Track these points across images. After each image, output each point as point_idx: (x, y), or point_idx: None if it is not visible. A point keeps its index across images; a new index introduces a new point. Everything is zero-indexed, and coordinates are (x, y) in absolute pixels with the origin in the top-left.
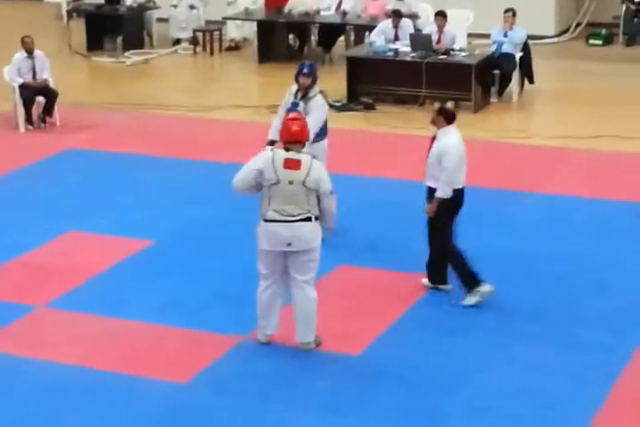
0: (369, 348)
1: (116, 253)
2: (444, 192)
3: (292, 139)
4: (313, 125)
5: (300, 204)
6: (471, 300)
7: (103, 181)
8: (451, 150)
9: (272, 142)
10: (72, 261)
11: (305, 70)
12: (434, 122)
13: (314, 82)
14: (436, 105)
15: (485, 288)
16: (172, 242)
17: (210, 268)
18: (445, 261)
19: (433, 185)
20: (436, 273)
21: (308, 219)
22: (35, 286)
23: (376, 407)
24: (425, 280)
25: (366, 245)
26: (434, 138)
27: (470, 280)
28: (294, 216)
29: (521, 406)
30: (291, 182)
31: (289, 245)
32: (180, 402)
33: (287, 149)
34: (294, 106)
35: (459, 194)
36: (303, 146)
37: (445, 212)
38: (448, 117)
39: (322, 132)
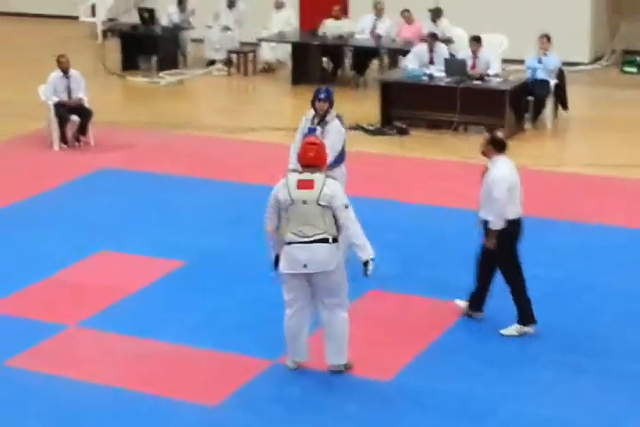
0: (400, 373)
1: (147, 274)
2: (494, 224)
3: (310, 163)
4: (330, 150)
5: (316, 224)
6: (511, 331)
7: (136, 200)
8: (499, 182)
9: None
10: (104, 281)
11: (322, 95)
12: (484, 153)
13: (330, 106)
14: (486, 135)
15: (531, 330)
16: (203, 263)
17: (241, 290)
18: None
19: (485, 217)
20: (476, 301)
21: (325, 240)
22: (66, 305)
23: None
24: (459, 301)
25: (398, 271)
26: (485, 169)
27: (527, 317)
28: (310, 237)
29: None
30: (305, 202)
31: (305, 266)
32: (210, 424)
33: (301, 172)
34: (311, 131)
35: (513, 224)
36: (320, 170)
37: (504, 243)
38: (499, 147)
39: (340, 158)
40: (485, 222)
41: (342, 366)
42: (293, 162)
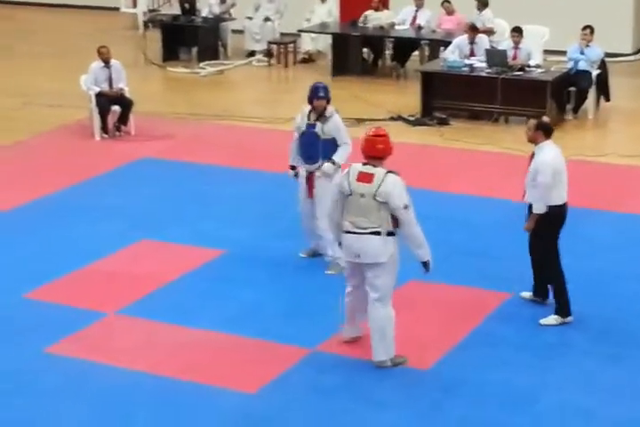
0: (439, 362)
1: (187, 262)
2: (537, 208)
3: (377, 155)
4: (345, 145)
5: (371, 217)
6: (550, 321)
7: (176, 190)
8: (543, 167)
9: (293, 167)
10: (144, 269)
11: (321, 93)
12: (532, 139)
13: (328, 103)
14: (533, 121)
15: (569, 319)
16: (244, 252)
17: (281, 279)
18: (546, 275)
19: (531, 201)
20: (538, 287)
21: (377, 233)
22: (106, 294)
23: (444, 423)
24: (525, 293)
25: (438, 260)
26: (532, 155)
27: (564, 308)
28: (364, 229)
29: (593, 425)
30: (362, 195)
31: (358, 256)
32: (248, 412)
33: (365, 163)
34: (310, 127)
35: (557, 210)
36: (383, 163)
37: (546, 228)
38: (546, 132)
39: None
40: (530, 206)
41: (386, 361)
42: (293, 158)
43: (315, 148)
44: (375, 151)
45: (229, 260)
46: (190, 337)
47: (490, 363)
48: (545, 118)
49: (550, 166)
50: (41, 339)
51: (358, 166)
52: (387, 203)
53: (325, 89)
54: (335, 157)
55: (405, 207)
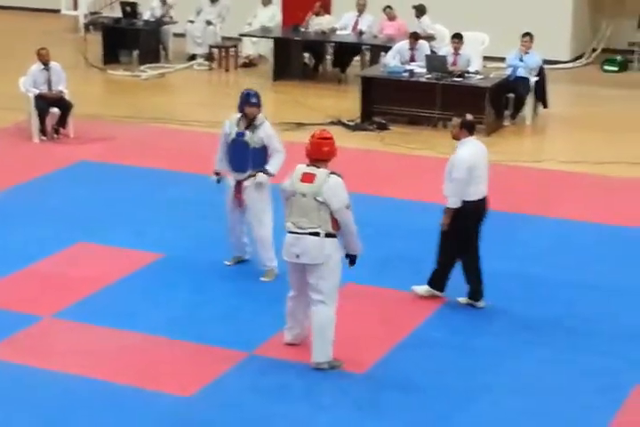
0: (374, 366)
1: (125, 265)
2: (451, 202)
3: (321, 158)
4: (278, 153)
5: (311, 217)
6: (464, 301)
7: (115, 193)
8: (459, 163)
9: (217, 173)
10: (81, 272)
11: (253, 100)
12: (456, 136)
13: (259, 111)
14: (457, 119)
15: (480, 304)
16: (182, 256)
17: (219, 283)
18: (448, 270)
19: (445, 195)
20: (438, 280)
21: (316, 234)
22: (42, 297)
23: (380, 424)
24: (416, 287)
25: (376, 264)
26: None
27: (476, 293)
28: (304, 229)
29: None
30: (303, 195)
31: (297, 257)
32: (185, 415)
33: (309, 164)
34: (240, 135)
35: (473, 206)
36: (327, 165)
37: (461, 224)
38: (469, 129)
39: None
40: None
41: (324, 363)
42: (219, 164)
43: (244, 156)
44: (320, 154)
45: (167, 263)
46: (127, 341)
47: (426, 366)
48: (468, 116)
49: (466, 162)
50: None
51: (302, 167)
52: (326, 204)
53: (257, 96)
54: (268, 167)
55: (347, 207)
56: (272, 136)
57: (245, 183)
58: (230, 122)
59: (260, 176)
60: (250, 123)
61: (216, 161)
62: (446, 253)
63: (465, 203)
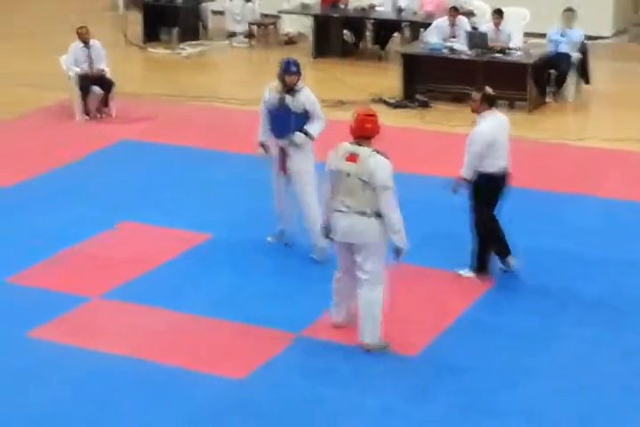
0: (426, 348)
1: (172, 246)
2: (463, 172)
3: (365, 135)
4: (318, 119)
5: (358, 197)
6: (469, 274)
7: (158, 172)
8: (477, 136)
9: (262, 144)
10: (127, 253)
11: (293, 69)
12: (476, 109)
13: (299, 79)
14: (476, 94)
15: (511, 260)
16: (229, 236)
17: (267, 263)
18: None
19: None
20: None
21: (363, 213)
22: (89, 277)
23: (432, 408)
24: (461, 271)
25: (421, 243)
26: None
27: (479, 267)
28: (351, 208)
29: (572, 407)
30: (348, 175)
31: (345, 236)
32: (236, 398)
33: (352, 142)
34: (280, 101)
35: (488, 178)
36: (370, 142)
37: (481, 194)
38: (490, 102)
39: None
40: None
41: (372, 345)
42: (262, 134)
43: (286, 122)
44: (364, 131)
45: (214, 244)
46: (175, 321)
47: (475, 349)
48: (488, 89)
49: (483, 136)
50: (23, 323)
51: (346, 146)
52: (370, 183)
53: (296, 64)
54: (308, 128)
55: (386, 188)
56: (314, 102)
57: (289, 150)
58: (269, 89)
59: (298, 135)
60: (290, 89)
61: (259, 132)
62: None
63: (480, 175)
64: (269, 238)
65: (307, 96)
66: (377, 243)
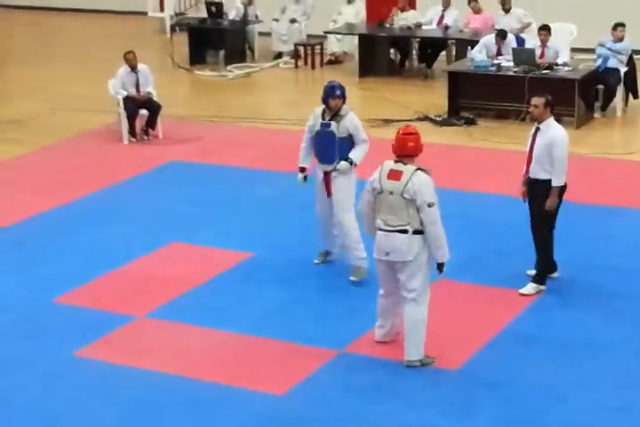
0: (469, 362)
1: (216, 265)
2: (559, 181)
3: (408, 153)
4: (363, 143)
5: (400, 215)
6: (530, 290)
7: (205, 193)
8: (560, 141)
9: (302, 169)
10: (172, 272)
11: (337, 93)
12: (540, 116)
13: (344, 102)
14: (540, 99)
15: (544, 287)
16: (272, 255)
17: (309, 281)
18: (538, 245)
19: (545, 177)
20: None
21: (405, 231)
22: (135, 297)
23: (476, 423)
24: (531, 271)
25: (465, 259)
26: (536, 132)
27: (544, 277)
28: (393, 227)
29: (621, 424)
30: (391, 193)
31: (387, 254)
32: (278, 414)
33: (396, 161)
34: (325, 127)
35: (564, 187)
36: (414, 160)
37: (559, 200)
38: (552, 108)
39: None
40: (539, 182)
41: (416, 361)
42: (302, 160)
43: (331, 147)
44: (406, 149)
45: (257, 262)
46: (218, 340)
47: (520, 362)
48: (549, 96)
49: (565, 139)
50: (71, 343)
51: (390, 164)
52: (414, 200)
53: (341, 88)
54: (352, 155)
55: (430, 206)
56: (357, 126)
57: (333, 174)
58: (315, 115)
59: (342, 164)
60: (335, 114)
61: (300, 157)
62: (543, 237)
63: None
64: (316, 260)
65: (351, 121)
66: (418, 261)
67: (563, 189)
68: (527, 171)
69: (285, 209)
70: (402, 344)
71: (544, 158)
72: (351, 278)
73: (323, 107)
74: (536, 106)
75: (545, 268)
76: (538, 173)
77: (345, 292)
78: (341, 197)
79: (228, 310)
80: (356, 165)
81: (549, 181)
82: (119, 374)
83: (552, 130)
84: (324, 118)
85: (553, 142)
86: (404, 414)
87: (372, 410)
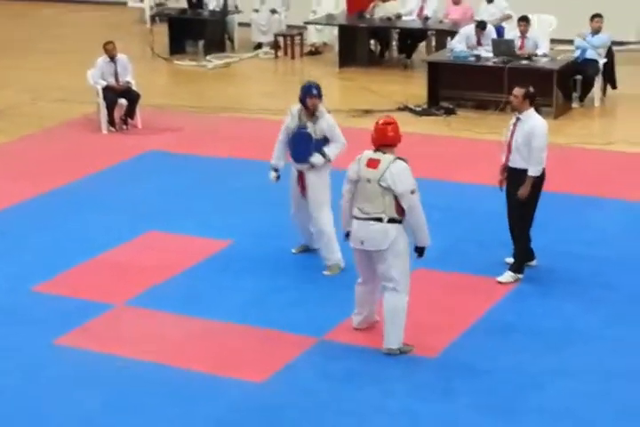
0: (447, 350)
1: (195, 253)
2: (535, 171)
3: (386, 143)
4: (340, 144)
5: (376, 203)
6: (508, 278)
7: (183, 182)
8: (539, 130)
9: (275, 169)
10: (152, 261)
11: (314, 92)
12: (519, 106)
13: (320, 101)
14: (519, 90)
15: (521, 276)
16: (251, 243)
17: (288, 270)
18: (516, 235)
19: (524, 166)
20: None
21: (380, 219)
22: (114, 285)
23: (453, 410)
24: (509, 259)
25: (444, 249)
26: (516, 122)
27: (521, 266)
28: (369, 215)
29: (599, 411)
30: (368, 181)
31: (362, 243)
32: (257, 401)
33: (375, 150)
34: (302, 128)
35: (544, 173)
36: (393, 150)
37: (537, 189)
38: (532, 100)
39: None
40: (518, 172)
41: (395, 349)
42: (276, 160)
43: (307, 148)
44: (385, 139)
45: (236, 251)
46: (198, 327)
47: (498, 350)
48: (531, 88)
49: (544, 129)
50: (50, 331)
51: (369, 153)
52: (391, 189)
53: (318, 87)
54: (326, 150)
55: (412, 192)
56: (334, 127)
57: (307, 176)
58: (292, 114)
59: (316, 157)
60: (311, 114)
61: (274, 157)
62: (521, 227)
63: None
64: (293, 250)
65: (327, 122)
66: (394, 249)
67: (541, 180)
68: (506, 160)
69: (264, 199)
70: (380, 332)
71: (523, 148)
72: (324, 273)
73: (299, 106)
74: (515, 96)
75: (522, 257)
76: (517, 162)
77: (323, 280)
78: (314, 196)
79: (206, 299)
80: (330, 160)
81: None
82: (99, 362)
83: (532, 120)
84: (300, 118)
85: (532, 132)
86: (382, 401)
87: (352, 397)
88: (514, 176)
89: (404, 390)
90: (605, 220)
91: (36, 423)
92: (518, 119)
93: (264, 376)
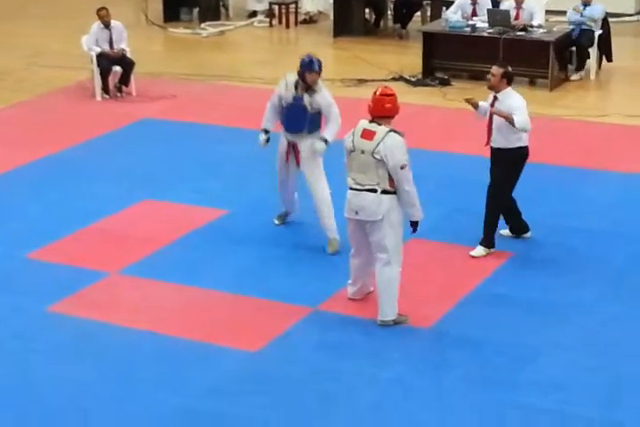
0: (441, 320)
1: (190, 222)
2: (519, 122)
3: (384, 114)
4: (338, 119)
5: (370, 174)
6: (481, 252)
7: (177, 150)
8: (520, 109)
9: (266, 131)
10: (146, 229)
11: (316, 68)
12: (495, 86)
13: (319, 76)
14: (497, 69)
15: (492, 250)
16: (247, 212)
17: (283, 239)
18: (490, 208)
19: (507, 146)
20: (515, 226)
21: (374, 190)
22: (108, 253)
23: (447, 380)
24: (504, 231)
25: (438, 219)
26: (493, 102)
27: (492, 240)
28: (363, 186)
29: (593, 384)
30: (362, 152)
31: (356, 213)
32: (249, 371)
33: (371, 121)
34: (298, 100)
35: (526, 151)
36: (390, 122)
37: (515, 167)
38: (510, 79)
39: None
40: (501, 151)
41: (389, 321)
42: (266, 123)
43: (301, 120)
44: (382, 110)
45: (231, 220)
46: (192, 296)
47: (491, 321)
48: (509, 67)
49: (524, 103)
50: (44, 298)
51: (364, 123)
52: (384, 161)
53: (319, 62)
54: (326, 135)
55: (402, 167)
56: (331, 104)
57: (302, 148)
58: (286, 83)
59: (319, 145)
60: (308, 87)
61: (264, 119)
62: (497, 203)
63: (520, 147)
64: (276, 221)
65: (324, 98)
66: (388, 220)
67: (525, 154)
68: (488, 141)
69: (260, 167)
70: (375, 302)
71: (505, 128)
72: (328, 251)
73: (295, 77)
74: (493, 75)
75: (491, 231)
76: (500, 142)
77: (319, 250)
78: (311, 166)
79: (201, 267)
80: (329, 143)
81: (512, 149)
82: (93, 329)
83: (510, 99)
84: (296, 90)
85: (513, 111)
86: (376, 372)
87: (345, 368)
88: (497, 155)
89: (398, 361)
90: (599, 192)
91: (30, 391)
92: (495, 98)
93: (258, 346)
